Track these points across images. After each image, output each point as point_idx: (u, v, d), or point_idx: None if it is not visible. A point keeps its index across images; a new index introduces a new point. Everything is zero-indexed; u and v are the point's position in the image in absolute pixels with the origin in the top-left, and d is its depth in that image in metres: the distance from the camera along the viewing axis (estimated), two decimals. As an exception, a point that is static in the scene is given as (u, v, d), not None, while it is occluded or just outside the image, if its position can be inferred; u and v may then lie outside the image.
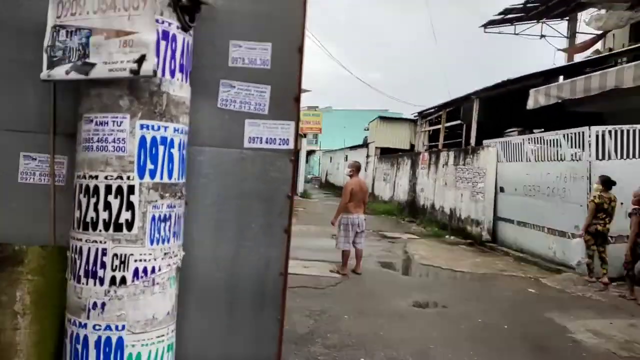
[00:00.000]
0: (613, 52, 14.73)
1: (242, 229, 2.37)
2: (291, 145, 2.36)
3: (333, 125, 43.41)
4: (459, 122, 16.88)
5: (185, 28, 1.99)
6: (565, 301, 6.65)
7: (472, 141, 13.81)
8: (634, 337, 5.16)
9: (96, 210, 1.93)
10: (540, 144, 9.86)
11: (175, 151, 2.02)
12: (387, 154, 21.39)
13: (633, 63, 5.35)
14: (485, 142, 12.10)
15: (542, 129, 16.26)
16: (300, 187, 24.68)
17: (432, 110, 18.71)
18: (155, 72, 1.84)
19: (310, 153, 49.49)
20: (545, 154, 9.63)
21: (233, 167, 2.33)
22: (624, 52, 13.93)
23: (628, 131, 8.26)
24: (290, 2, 2.31)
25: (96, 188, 1.94)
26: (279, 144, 2.35)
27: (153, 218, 1.97)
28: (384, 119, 23.25)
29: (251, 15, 2.29)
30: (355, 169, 7.97)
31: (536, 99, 7.08)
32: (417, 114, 20.43)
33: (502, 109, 15.82)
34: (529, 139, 10.31)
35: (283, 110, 2.32)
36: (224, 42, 2.27)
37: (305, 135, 24.40)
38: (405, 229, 14.18)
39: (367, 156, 24.07)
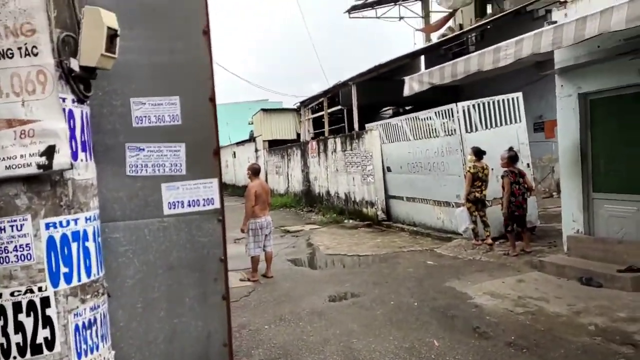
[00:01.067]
0: (464, 30, 16.34)
1: (175, 304, 2.14)
2: (217, 204, 2.19)
3: (214, 122, 42.16)
4: (339, 107, 17.48)
5: (81, 100, 1.71)
6: (460, 268, 7.28)
7: (356, 125, 14.38)
8: (524, 292, 5.83)
9: (5, 334, 1.59)
10: (416, 122, 10.59)
11: (90, 244, 1.74)
12: (276, 146, 21.40)
13: (491, 48, 5.93)
14: (367, 125, 12.66)
15: (412, 106, 17.59)
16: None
17: (313, 98, 19.09)
18: (72, 164, 1.56)
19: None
20: (422, 132, 10.37)
21: (154, 239, 2.09)
22: (472, 29, 15.55)
23: (488, 103, 9.21)
24: (195, 50, 2.10)
25: (2, 308, 1.60)
26: (204, 205, 2.15)
27: (77, 328, 1.69)
28: (266, 111, 23.15)
29: (152, 67, 2.04)
30: (254, 171, 7.84)
31: (411, 86, 7.57)
32: (299, 104, 20.69)
33: (377, 91, 16.72)
34: (405, 120, 10.99)
35: (203, 167, 2.13)
36: (124, 100, 2.00)
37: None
38: (306, 219, 14.39)
39: (256, 150, 23.85)
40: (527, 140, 9.42)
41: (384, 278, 7.04)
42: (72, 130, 1.67)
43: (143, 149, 2.07)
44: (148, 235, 2.09)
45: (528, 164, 9.13)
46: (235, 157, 28.41)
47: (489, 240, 8.26)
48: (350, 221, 13.01)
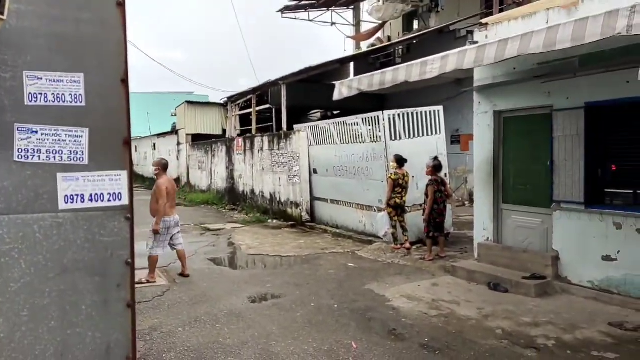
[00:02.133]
0: (391, 42, 16.94)
1: (69, 313, 1.85)
2: (125, 200, 1.92)
3: (135, 111, 40.06)
4: (268, 106, 17.30)
5: None
6: (379, 271, 7.45)
7: (284, 125, 14.29)
8: (438, 295, 6.08)
9: None
10: (343, 127, 10.73)
11: None
12: (199, 140, 20.70)
13: (419, 60, 6.14)
14: (296, 126, 12.62)
15: (339, 111, 17.89)
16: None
17: (242, 95, 18.72)
18: None
19: (110, 142, 44.98)
20: (349, 137, 10.53)
21: (46, 237, 1.80)
22: (400, 42, 16.17)
23: (412, 113, 9.57)
24: (106, 22, 1.82)
25: None
26: (110, 200, 1.88)
27: None
28: (192, 103, 22.33)
29: (52, 38, 1.73)
30: (162, 167, 7.35)
31: (340, 91, 7.64)
32: (226, 99, 20.18)
33: (306, 93, 16.78)
34: (333, 124, 11.10)
35: (110, 157, 1.86)
36: (15, 73, 1.69)
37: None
38: (228, 218, 14.03)
39: (178, 143, 22.93)
40: (445, 151, 9.91)
41: (305, 279, 7.01)
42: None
43: (36, 132, 1.76)
44: (38, 232, 1.79)
45: (446, 174, 9.59)
46: (155, 149, 27.12)
47: (407, 245, 8.56)
48: (275, 221, 12.88)
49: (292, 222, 12.21)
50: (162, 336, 4.88)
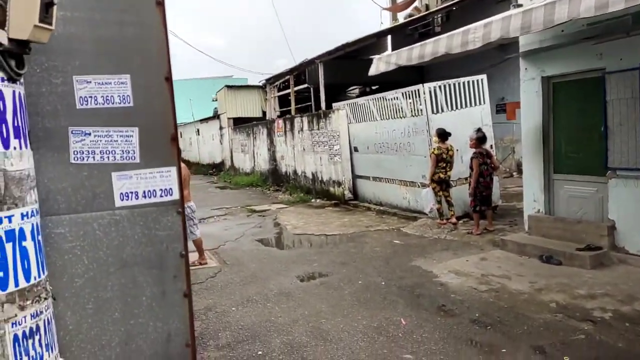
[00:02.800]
0: (430, 10, 16.36)
1: (131, 304, 1.94)
2: (176, 195, 1.97)
3: (177, 98, 40.91)
4: (306, 85, 17.28)
5: (13, 78, 1.49)
6: (425, 247, 7.41)
7: (323, 104, 14.27)
8: (487, 270, 5.98)
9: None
10: (383, 102, 10.58)
11: (28, 243, 1.54)
12: (241, 123, 21.01)
13: (460, 30, 5.91)
14: (334, 105, 12.56)
15: (378, 86, 17.61)
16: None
17: (279, 76, 18.77)
18: (3, 152, 1.37)
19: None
20: (389, 112, 10.38)
21: (105, 234, 1.88)
22: (438, 10, 15.59)
23: (453, 85, 9.29)
24: (147, 22, 1.86)
25: None
26: (161, 196, 1.93)
27: (16, 338, 1.51)
28: (231, 87, 22.62)
29: (97, 42, 1.79)
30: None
31: (377, 66, 7.49)
32: (264, 81, 20.31)
33: (344, 70, 16.61)
34: (372, 100, 10.96)
35: (159, 154, 1.91)
36: (66, 78, 1.75)
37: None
38: (272, 199, 14.28)
39: (221, 128, 23.38)
40: (490, 121, 9.58)
41: (351, 257, 7.07)
42: (1, 113, 1.46)
43: (89, 134, 1.83)
44: (98, 229, 1.87)
45: (491, 145, 9.30)
46: (199, 134, 27.79)
47: (454, 220, 8.43)
48: (318, 200, 13.00)
49: (335, 201, 12.28)
50: (217, 316, 5.09)
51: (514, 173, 14.68)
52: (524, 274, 5.74)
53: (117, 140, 1.84)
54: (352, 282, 5.91)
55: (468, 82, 9.37)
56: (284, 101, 19.64)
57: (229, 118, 22.08)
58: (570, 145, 6.62)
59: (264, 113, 21.19)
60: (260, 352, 4.16)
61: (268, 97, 20.22)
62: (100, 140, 1.83)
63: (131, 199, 1.89)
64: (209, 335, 4.59)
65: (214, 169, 24.25)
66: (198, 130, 27.76)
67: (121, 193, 1.88)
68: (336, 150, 12.34)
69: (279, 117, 17.96)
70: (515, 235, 7.09)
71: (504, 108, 15.45)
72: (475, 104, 9.44)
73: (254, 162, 19.07)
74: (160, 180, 1.93)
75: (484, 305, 4.90)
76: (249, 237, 8.98)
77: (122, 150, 1.87)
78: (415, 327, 4.49)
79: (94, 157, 1.83)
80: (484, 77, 9.52)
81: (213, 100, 25.91)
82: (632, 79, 5.57)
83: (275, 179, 16.69)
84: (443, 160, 8.42)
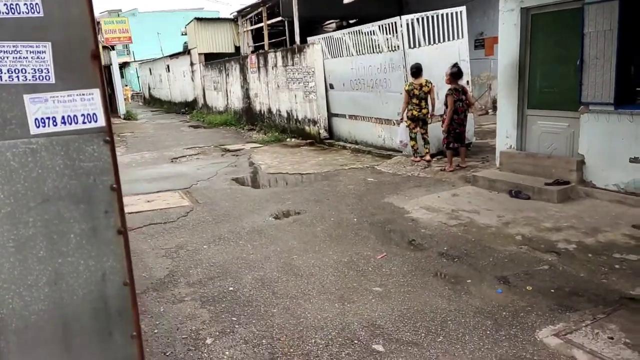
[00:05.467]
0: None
1: (57, 242, 1.78)
2: (102, 122, 1.75)
3: (144, 31, 39.04)
4: (280, 18, 16.49)
5: None
6: (398, 184, 7.43)
7: (297, 38, 13.70)
8: (458, 205, 6.05)
9: None
10: (359, 36, 10.19)
11: None
12: (213, 59, 20.17)
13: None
14: (309, 39, 12.07)
15: (356, 19, 16.94)
16: (122, 108, 22.25)
17: (252, 7, 17.83)
18: None
19: (124, 66, 44.41)
20: (365, 47, 10.03)
21: (21, 165, 1.68)
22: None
23: (432, 17, 8.95)
24: None
25: None
26: (84, 122, 1.72)
27: None
28: (201, 20, 21.47)
29: None
30: None
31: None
32: (236, 13, 19.32)
33: (320, 2, 15.84)
34: (348, 33, 10.54)
35: (78, 74, 1.68)
36: None
37: (113, 48, 21.39)
38: (246, 138, 14.03)
39: (192, 64, 22.45)
40: (468, 57, 9.38)
41: (325, 195, 7.06)
42: None
43: None
44: (12, 160, 1.68)
45: (468, 81, 9.16)
46: (169, 71, 26.71)
47: (428, 157, 8.44)
48: (293, 140, 12.82)
49: (310, 140, 12.13)
50: (188, 253, 5.06)
51: (490, 110, 14.68)
52: (492, 208, 5.84)
53: (27, 57, 1.60)
54: (325, 219, 5.92)
55: (447, 14, 9.03)
56: (257, 36, 18.81)
57: (199, 54, 21.16)
58: (546, 80, 6.54)
59: (237, 48, 20.34)
60: (231, 288, 4.18)
61: (240, 31, 19.32)
62: (7, 57, 1.59)
63: (48, 126, 1.68)
64: (179, 273, 4.57)
65: (187, 108, 23.57)
66: (168, 67, 26.65)
67: (36, 119, 1.67)
68: (311, 87, 12.01)
69: (252, 52, 17.26)
70: (486, 171, 7.15)
71: (482, 43, 15.16)
72: (454, 38, 9.17)
73: (227, 100, 18.54)
74: (81, 104, 1.72)
75: (452, 239, 4.99)
76: (222, 177, 8.86)
77: (34, 69, 1.63)
78: (385, 261, 4.56)
79: (1, 77, 1.61)
80: (462, 9, 9.19)
81: (182, 34, 24.68)
82: (611, 10, 5.42)
83: (250, 118, 16.33)
84: (415, 97, 8.26)
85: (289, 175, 8.77)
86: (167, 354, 3.25)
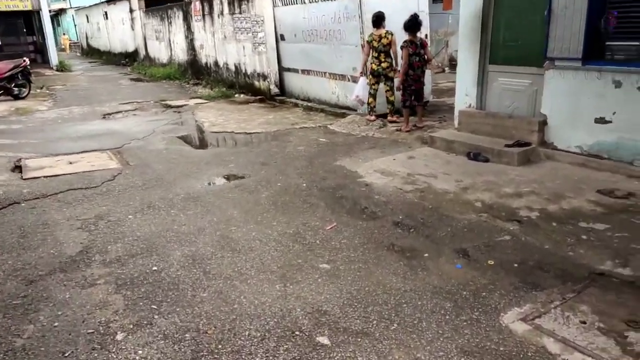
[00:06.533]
0: None
1: None
2: None
3: (81, -25, 35.58)
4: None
5: None
6: (352, 145, 6.90)
7: (245, -16, 12.54)
8: (414, 169, 5.61)
9: None
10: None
11: None
12: (154, 5, 18.45)
13: None
14: (258, -16, 11.02)
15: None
16: (54, 58, 20.24)
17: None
18: None
19: (59, 13, 40.66)
20: (320, -6, 9.20)
21: None
22: None
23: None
24: None
25: None
26: None
27: None
28: (142, -37, 19.51)
29: None
30: None
31: None
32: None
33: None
34: (301, -22, 9.63)
35: None
36: None
37: (42, -8, 19.16)
38: (191, 93, 12.99)
39: (131, 11, 20.56)
40: (427, 8, 8.76)
41: (272, 157, 6.44)
42: None
43: None
44: None
45: (426, 35, 8.59)
46: (107, 18, 24.49)
47: (392, 117, 7.88)
48: (242, 96, 11.94)
49: (261, 97, 11.31)
50: (109, 225, 4.37)
51: (447, 68, 14.29)
52: (450, 172, 5.44)
53: None
54: (270, 185, 5.34)
55: (406, -41, 8.30)
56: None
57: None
58: (510, 33, 6.07)
59: (182, -5, 18.69)
60: (155, 268, 3.56)
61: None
62: None
63: None
64: (95, 249, 3.89)
65: (127, 59, 21.78)
66: (106, 14, 24.40)
67: None
68: (261, 38, 11.07)
69: (197, -1, 15.84)
70: (444, 132, 6.74)
71: (440, -3, 14.55)
72: (412, -13, 8.48)
73: (171, 51, 17.14)
74: None
75: (408, 207, 4.56)
76: (159, 135, 8.01)
77: None
78: (335, 232, 4.07)
79: None
80: (423, -46, 8.47)
81: (121, -22, 22.43)
82: (584, -45, 4.93)
83: (195, 71, 15.16)
84: (374, 49, 7.64)
85: (234, 134, 8.04)
86: (66, 355, 2.65)
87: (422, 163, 5.81)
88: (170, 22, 16.54)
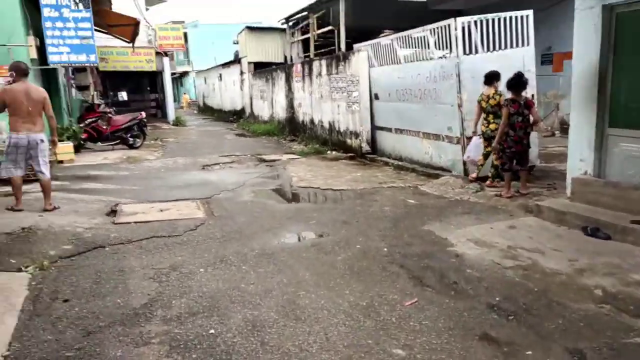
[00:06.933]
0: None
1: None
2: None
3: (203, 42, 39.87)
4: (330, 28, 15.81)
5: None
6: (444, 208, 6.32)
7: (342, 45, 12.92)
8: (516, 241, 4.88)
9: None
10: (409, 43, 9.21)
11: None
12: (262, 68, 19.78)
13: None
14: (355, 46, 11.21)
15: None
16: (171, 114, 22.31)
17: (299, 15, 17.29)
18: None
19: (183, 75, 45.55)
20: (415, 54, 9.03)
21: None
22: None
23: (492, 20, 7.82)
24: None
25: None
26: None
27: None
28: (252, 29, 21.26)
29: None
30: (17, 70, 6.13)
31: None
32: (284, 20, 18.86)
33: (374, 11, 15.02)
34: (397, 39, 9.58)
35: None
36: None
37: (167, 54, 21.54)
38: (286, 149, 13.29)
39: (241, 73, 22.24)
40: (534, 67, 8.12)
41: (355, 216, 6.08)
42: None
43: None
44: None
45: (533, 95, 7.90)
46: (221, 79, 26.78)
47: (492, 182, 7.18)
48: (333, 152, 11.93)
49: (351, 154, 11.18)
50: (180, 277, 4.24)
51: (557, 132, 13.13)
52: (562, 248, 4.62)
53: None
54: (349, 246, 4.94)
55: (510, 17, 7.87)
56: (308, 46, 18.22)
57: (249, 62, 20.90)
58: (634, 93, 5.26)
59: (287, 58, 19.86)
60: (212, 331, 3.28)
61: (289, 40, 18.81)
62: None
63: None
64: (160, 303, 3.74)
65: (235, 116, 23.35)
66: (220, 76, 26.71)
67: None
68: (355, 97, 11.10)
69: (300, 62, 16.65)
70: (553, 201, 5.90)
71: (550, 59, 13.71)
72: (518, 46, 7.96)
73: (272, 109, 18.00)
74: None
75: (507, 287, 3.86)
76: (248, 188, 8.08)
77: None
78: (415, 310, 3.51)
79: None
80: (529, 12, 7.97)
81: (234, 43, 24.64)
82: None
83: (292, 129, 15.63)
84: (483, 110, 7.16)
85: (320, 190, 7.85)
86: None
87: (526, 235, 5.05)
88: (274, 83, 17.48)
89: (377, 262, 4.48)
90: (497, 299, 3.67)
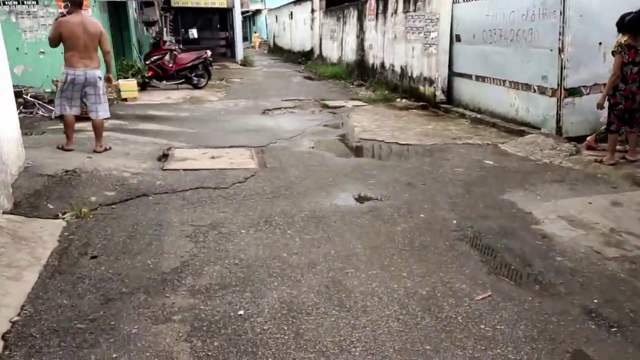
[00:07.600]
0: None
1: None
2: None
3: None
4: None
5: None
6: (529, 174, 5.38)
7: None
8: (620, 222, 3.93)
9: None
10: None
11: None
12: (335, 5, 18.50)
13: None
14: (439, -21, 9.84)
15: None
16: (240, 53, 21.89)
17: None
18: None
19: (256, 13, 44.76)
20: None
21: None
22: None
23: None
24: None
25: None
26: None
27: None
28: (326, -37, 19.77)
29: None
30: (72, 0, 5.71)
31: None
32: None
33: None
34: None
35: None
36: None
37: (237, -8, 20.83)
38: (352, 94, 12.44)
39: (312, 11, 21.08)
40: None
41: (421, 178, 5.33)
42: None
43: None
44: None
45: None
46: (292, 18, 25.72)
47: (592, 143, 6.02)
48: (403, 101, 10.94)
49: (423, 103, 10.14)
50: (218, 239, 3.82)
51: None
52: (686, 238, 3.65)
53: None
54: (412, 215, 4.26)
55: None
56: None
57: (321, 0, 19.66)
58: None
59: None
60: (241, 312, 2.82)
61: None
62: None
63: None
64: (191, 268, 3.34)
65: (303, 57, 22.47)
66: (291, 14, 25.62)
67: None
68: (432, 38, 9.89)
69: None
70: (673, 173, 4.78)
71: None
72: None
73: (342, 51, 16.94)
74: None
75: (609, 285, 3.05)
76: (307, 137, 7.49)
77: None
78: (488, 307, 2.83)
79: None
80: None
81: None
82: None
83: (361, 72, 14.62)
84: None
85: (384, 144, 7.10)
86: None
87: (635, 215, 4.08)
88: (345, 22, 16.32)
89: (444, 238, 3.78)
90: (596, 300, 2.89)
